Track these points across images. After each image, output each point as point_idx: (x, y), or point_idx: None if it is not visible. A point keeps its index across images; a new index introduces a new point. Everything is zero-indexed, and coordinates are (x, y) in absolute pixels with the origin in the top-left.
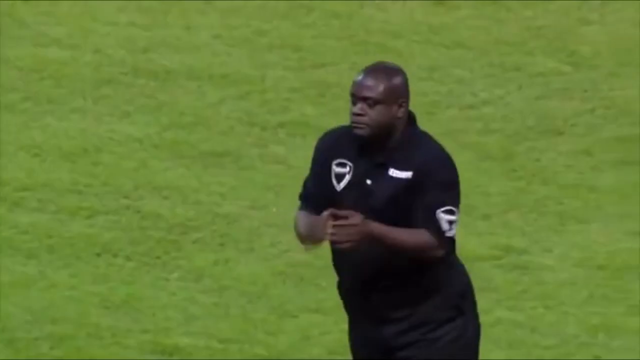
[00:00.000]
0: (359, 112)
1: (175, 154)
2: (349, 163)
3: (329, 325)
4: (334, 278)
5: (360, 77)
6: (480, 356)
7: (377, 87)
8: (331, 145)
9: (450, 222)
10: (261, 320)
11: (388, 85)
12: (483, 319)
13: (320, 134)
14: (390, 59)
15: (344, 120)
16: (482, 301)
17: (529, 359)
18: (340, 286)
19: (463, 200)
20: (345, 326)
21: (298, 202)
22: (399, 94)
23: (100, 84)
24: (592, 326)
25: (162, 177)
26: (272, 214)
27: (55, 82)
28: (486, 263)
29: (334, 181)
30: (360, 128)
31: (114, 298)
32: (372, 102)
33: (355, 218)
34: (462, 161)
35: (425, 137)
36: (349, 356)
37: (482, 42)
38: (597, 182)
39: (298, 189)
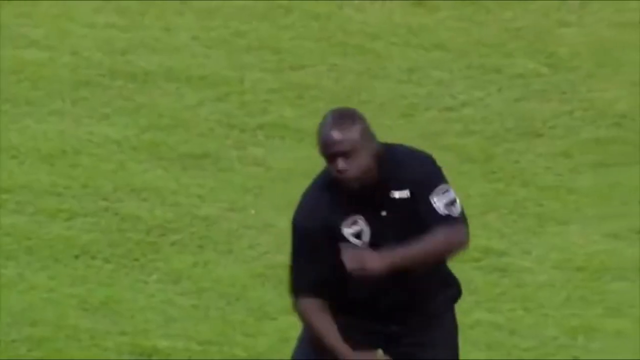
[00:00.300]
0: (342, 169)
1: (154, 155)
2: (358, 216)
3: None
4: None
5: (326, 136)
6: (465, 358)
7: (348, 138)
8: (324, 217)
9: (452, 203)
10: (240, 322)
11: (357, 130)
12: (462, 320)
13: (299, 135)
14: (369, 60)
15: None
16: (462, 303)
17: (511, 356)
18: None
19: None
20: None
21: (294, 296)
22: (368, 132)
23: (78, 85)
24: (570, 328)
25: (140, 179)
26: (251, 215)
27: (32, 84)
28: (465, 265)
29: (354, 241)
30: (350, 182)
31: (92, 300)
32: (350, 154)
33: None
34: (441, 163)
35: (399, 150)
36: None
37: (462, 44)
38: (576, 183)
39: (277, 191)
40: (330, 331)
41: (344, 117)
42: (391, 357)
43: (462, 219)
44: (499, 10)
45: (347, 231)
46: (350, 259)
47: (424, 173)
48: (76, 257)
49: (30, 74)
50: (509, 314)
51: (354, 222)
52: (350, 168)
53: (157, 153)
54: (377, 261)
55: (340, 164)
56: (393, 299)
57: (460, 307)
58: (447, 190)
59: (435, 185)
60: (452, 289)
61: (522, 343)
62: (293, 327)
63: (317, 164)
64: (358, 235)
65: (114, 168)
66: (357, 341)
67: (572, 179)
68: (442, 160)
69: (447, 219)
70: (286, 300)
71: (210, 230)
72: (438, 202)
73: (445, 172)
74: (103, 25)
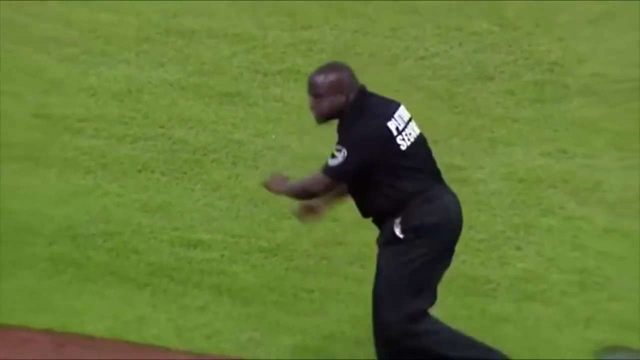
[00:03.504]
0: (310, 106)
1: (198, 94)
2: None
3: (315, 226)
4: None
5: (309, 77)
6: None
7: (319, 84)
8: None
9: (332, 156)
10: (264, 220)
11: (328, 81)
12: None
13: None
14: (362, 21)
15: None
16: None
17: (467, 249)
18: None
19: (422, 130)
20: (317, 232)
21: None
22: (339, 85)
23: (140, 41)
24: (514, 225)
25: (188, 111)
26: (272, 139)
27: (106, 40)
28: None
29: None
30: (315, 117)
31: (151, 204)
32: (317, 97)
33: None
34: (416, 99)
35: (365, 102)
36: (334, 249)
37: (432, 8)
38: (519, 115)
39: (292, 121)
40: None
41: (328, 68)
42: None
43: (325, 170)
44: None
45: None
46: (266, 177)
47: (346, 129)
48: (139, 171)
49: (104, 32)
50: (467, 214)
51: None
52: (315, 107)
53: (200, 92)
54: (274, 185)
55: (310, 101)
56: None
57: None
58: (340, 147)
59: (339, 139)
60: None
61: (477, 236)
62: (305, 225)
63: None
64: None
65: (168, 103)
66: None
67: (516, 111)
68: (417, 98)
69: (322, 167)
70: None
71: (241, 151)
72: (334, 149)
73: (419, 107)
74: None
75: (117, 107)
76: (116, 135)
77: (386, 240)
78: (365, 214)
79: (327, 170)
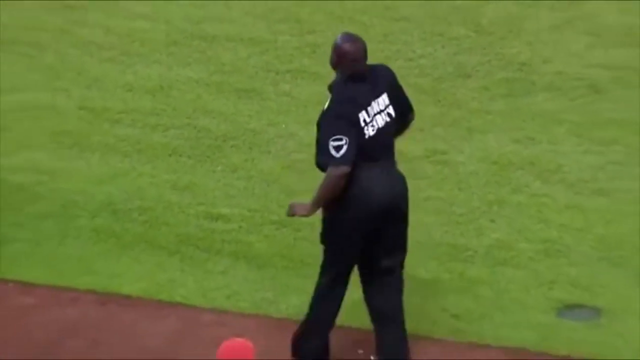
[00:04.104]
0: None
1: (219, 89)
2: None
3: None
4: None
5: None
6: (418, 220)
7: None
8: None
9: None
10: (275, 198)
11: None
12: (418, 195)
13: (313, 77)
14: (358, 27)
15: (330, 67)
16: (418, 184)
17: (449, 221)
18: None
19: None
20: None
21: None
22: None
23: (169, 44)
24: (488, 201)
25: (210, 104)
26: (282, 128)
27: (141, 43)
28: (421, 160)
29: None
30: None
31: (180, 183)
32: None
33: None
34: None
35: (332, 93)
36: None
37: (419, 17)
38: (492, 108)
39: (299, 112)
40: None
41: (351, 36)
42: None
43: (319, 150)
44: None
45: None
46: (288, 210)
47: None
48: (169, 155)
49: (138, 37)
50: (448, 192)
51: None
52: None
53: (221, 88)
54: (299, 211)
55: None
56: None
57: (417, 187)
58: (340, 138)
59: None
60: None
61: (457, 210)
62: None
63: (324, 96)
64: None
65: (193, 98)
66: None
67: (490, 104)
68: (407, 93)
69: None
70: (306, 183)
71: (256, 138)
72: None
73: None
74: (186, 5)
75: (150, 101)
76: (149, 124)
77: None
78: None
79: (340, 158)
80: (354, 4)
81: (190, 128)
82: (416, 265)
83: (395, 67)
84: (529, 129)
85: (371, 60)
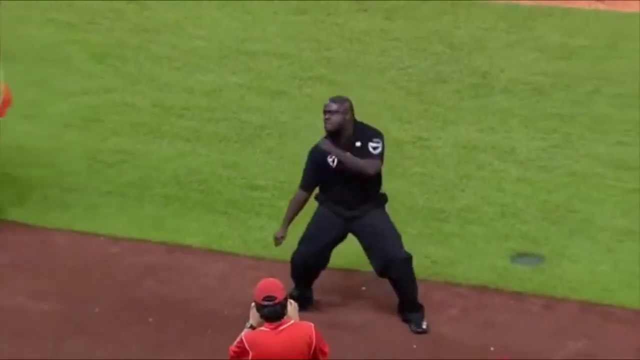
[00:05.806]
0: (327, 117)
1: (258, 92)
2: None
3: None
4: None
5: (327, 104)
6: (406, 190)
7: (334, 106)
8: (321, 154)
9: (375, 148)
10: (299, 173)
11: (341, 105)
12: (405, 172)
13: (328, 82)
14: (361, 47)
15: (342, 74)
16: (407, 162)
17: (429, 191)
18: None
19: (401, 114)
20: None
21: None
22: (345, 108)
23: (221, 58)
24: (459, 175)
25: (251, 103)
26: (304, 119)
27: (199, 58)
28: (409, 145)
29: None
30: (328, 127)
31: (228, 162)
32: (333, 113)
33: None
34: (397, 95)
35: (364, 125)
36: None
37: (407, 37)
38: (463, 105)
39: (317, 108)
40: (290, 212)
41: (337, 99)
42: (352, 229)
43: (377, 157)
44: (426, 21)
45: (329, 160)
46: (322, 142)
47: (371, 135)
48: (220, 141)
49: (198, 52)
50: (429, 169)
51: (332, 158)
52: (330, 118)
53: (259, 90)
54: (334, 150)
55: (326, 116)
56: (347, 198)
57: (405, 165)
58: (377, 142)
59: (372, 139)
60: (380, 200)
61: (436, 182)
62: None
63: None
64: (333, 161)
65: (238, 97)
66: (332, 218)
67: (461, 103)
68: (398, 94)
69: (371, 155)
70: None
71: (285, 128)
72: (371, 146)
73: (399, 100)
74: (233, 28)
75: (206, 100)
76: (205, 118)
77: (375, 206)
78: (367, 197)
79: (379, 156)
80: (358, 28)
81: (235, 120)
82: (405, 224)
83: (390, 74)
84: (490, 121)
85: (372, 69)
